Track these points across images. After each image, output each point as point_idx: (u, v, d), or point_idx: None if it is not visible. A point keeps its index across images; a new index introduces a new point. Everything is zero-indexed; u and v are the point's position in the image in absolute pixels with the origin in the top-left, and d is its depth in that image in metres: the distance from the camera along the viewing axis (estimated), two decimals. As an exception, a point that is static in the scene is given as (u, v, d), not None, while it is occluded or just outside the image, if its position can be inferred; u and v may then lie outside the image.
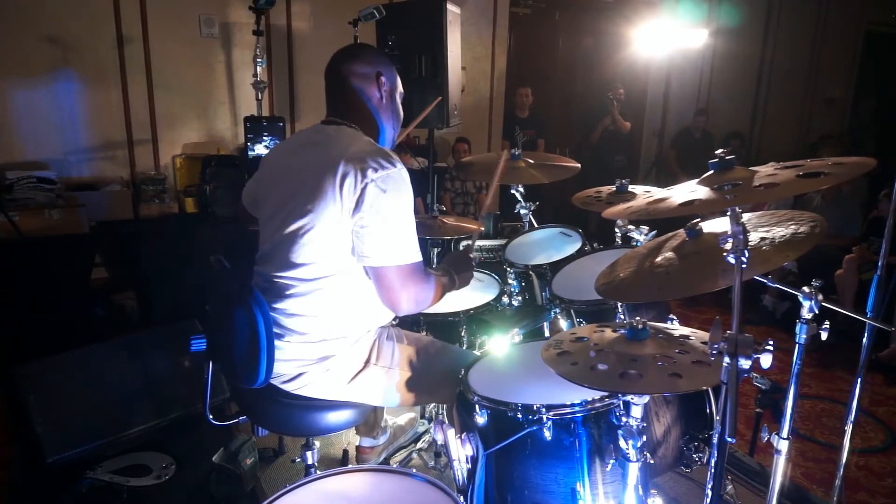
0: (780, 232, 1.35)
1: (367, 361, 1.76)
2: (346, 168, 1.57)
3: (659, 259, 1.48)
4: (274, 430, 1.99)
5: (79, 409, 2.50)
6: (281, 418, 1.78)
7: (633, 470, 1.42)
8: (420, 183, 4.60)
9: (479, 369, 1.75)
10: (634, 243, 2.22)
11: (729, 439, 1.16)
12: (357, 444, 2.52)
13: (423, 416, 2.79)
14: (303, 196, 1.61)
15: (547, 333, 2.26)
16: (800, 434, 3.08)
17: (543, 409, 1.46)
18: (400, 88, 1.88)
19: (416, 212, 1.74)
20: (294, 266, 1.64)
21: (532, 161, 2.57)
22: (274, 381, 1.70)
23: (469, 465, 1.51)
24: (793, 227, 1.35)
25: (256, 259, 1.80)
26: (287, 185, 1.70)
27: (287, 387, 1.71)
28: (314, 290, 1.65)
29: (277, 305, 1.68)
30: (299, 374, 1.70)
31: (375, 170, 1.56)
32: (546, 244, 2.58)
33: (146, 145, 4.37)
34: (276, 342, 1.65)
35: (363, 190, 1.55)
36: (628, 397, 1.42)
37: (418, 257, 1.63)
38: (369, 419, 2.43)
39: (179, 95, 4.41)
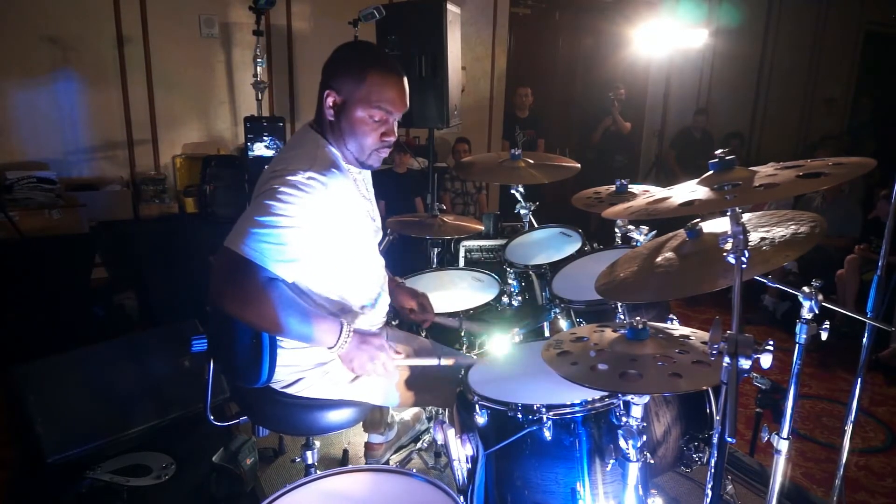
0: (780, 232, 1.35)
1: None
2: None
3: (659, 259, 1.48)
4: (275, 429, 1.99)
5: (79, 409, 2.50)
6: (282, 418, 1.77)
7: (633, 470, 1.42)
8: (420, 183, 4.62)
9: (480, 369, 1.75)
10: (634, 243, 2.22)
11: (729, 439, 1.16)
12: (365, 440, 2.52)
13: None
14: None
15: (547, 333, 2.26)
16: (800, 434, 3.08)
17: (543, 409, 1.47)
18: (359, 110, 1.59)
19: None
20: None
21: (532, 161, 2.57)
22: (273, 386, 1.70)
23: (469, 465, 1.51)
24: (793, 227, 1.35)
25: None
26: None
27: (287, 390, 1.71)
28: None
29: None
30: (297, 380, 1.70)
31: (278, 176, 1.50)
32: (546, 244, 2.58)
33: (146, 145, 4.37)
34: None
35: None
36: (628, 397, 1.42)
37: (263, 260, 1.42)
38: (376, 416, 2.43)
39: (179, 95, 4.41)
